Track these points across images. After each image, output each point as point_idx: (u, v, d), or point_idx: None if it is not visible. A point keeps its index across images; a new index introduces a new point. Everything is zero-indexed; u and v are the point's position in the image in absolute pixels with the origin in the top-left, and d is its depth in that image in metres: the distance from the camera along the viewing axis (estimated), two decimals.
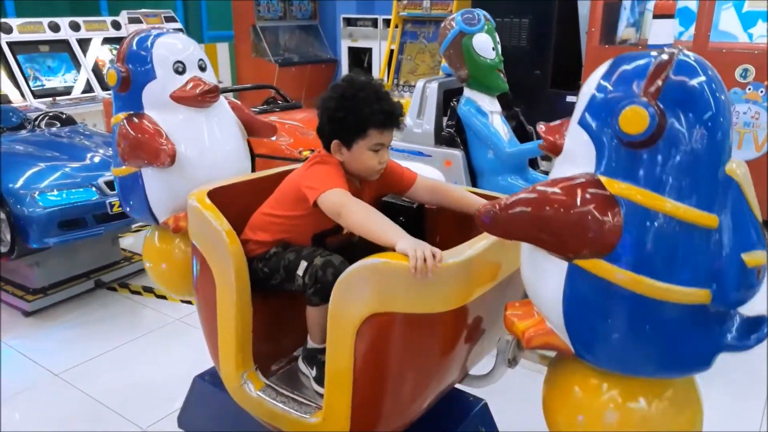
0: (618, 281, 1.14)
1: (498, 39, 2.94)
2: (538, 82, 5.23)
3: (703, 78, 1.12)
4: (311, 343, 1.84)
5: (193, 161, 2.07)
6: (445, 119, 3.13)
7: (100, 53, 6.56)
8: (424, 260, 1.34)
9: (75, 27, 6.46)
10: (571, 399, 1.37)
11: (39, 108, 5.48)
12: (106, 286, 3.69)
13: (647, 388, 1.31)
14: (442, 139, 3.09)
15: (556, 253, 1.22)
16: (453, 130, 3.05)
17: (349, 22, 8.85)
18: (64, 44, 6.33)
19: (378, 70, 8.25)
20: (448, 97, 3.16)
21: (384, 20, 8.21)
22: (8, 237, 3.23)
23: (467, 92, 2.95)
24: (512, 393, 2.49)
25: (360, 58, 8.90)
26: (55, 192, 3.23)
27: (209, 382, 2.25)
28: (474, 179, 3.00)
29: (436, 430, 1.99)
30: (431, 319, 1.45)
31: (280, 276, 1.77)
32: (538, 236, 1.23)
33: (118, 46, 2.42)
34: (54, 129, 4.18)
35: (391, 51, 7.15)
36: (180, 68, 2.10)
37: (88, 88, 6.25)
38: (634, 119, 1.10)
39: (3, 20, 6.03)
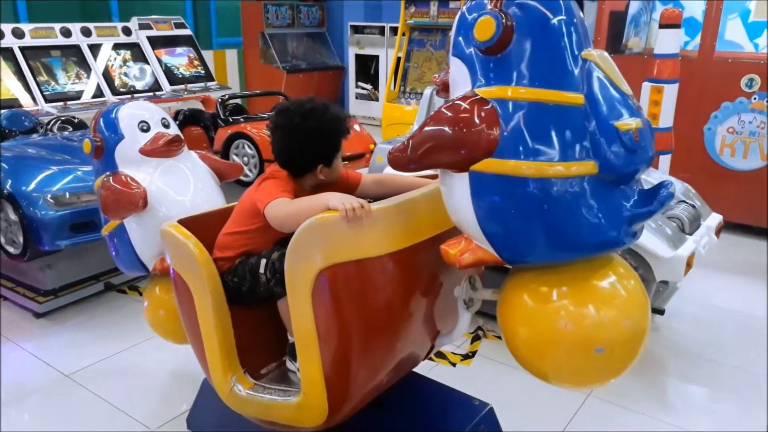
0: (511, 172, 1.28)
1: None
2: None
3: None
4: (291, 338, 1.91)
5: (169, 204, 2.27)
6: None
7: (111, 58, 6.63)
8: (354, 210, 1.48)
9: (86, 33, 6.53)
10: (523, 311, 1.44)
11: (50, 112, 5.54)
12: (116, 288, 3.73)
13: (594, 291, 1.39)
14: None
15: (454, 168, 1.37)
16: None
17: (357, 29, 8.91)
18: (75, 49, 6.41)
19: (385, 77, 8.30)
20: None
21: (391, 28, 8.27)
22: (21, 239, 3.28)
23: None
24: (518, 397, 2.51)
25: (367, 65, 8.96)
26: (67, 195, 3.27)
27: None
28: None
29: None
30: (377, 263, 1.54)
31: (248, 281, 1.86)
32: (433, 159, 1.38)
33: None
34: (66, 133, 4.23)
35: (398, 58, 7.20)
36: (144, 127, 2.37)
37: (99, 93, 6.32)
38: (484, 27, 1.30)
39: (15, 25, 6.11)
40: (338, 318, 1.58)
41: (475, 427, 2.05)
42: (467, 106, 1.32)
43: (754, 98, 4.27)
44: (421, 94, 3.30)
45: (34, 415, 2.62)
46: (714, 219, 3.18)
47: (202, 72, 7.23)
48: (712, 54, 4.39)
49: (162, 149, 2.34)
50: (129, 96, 6.34)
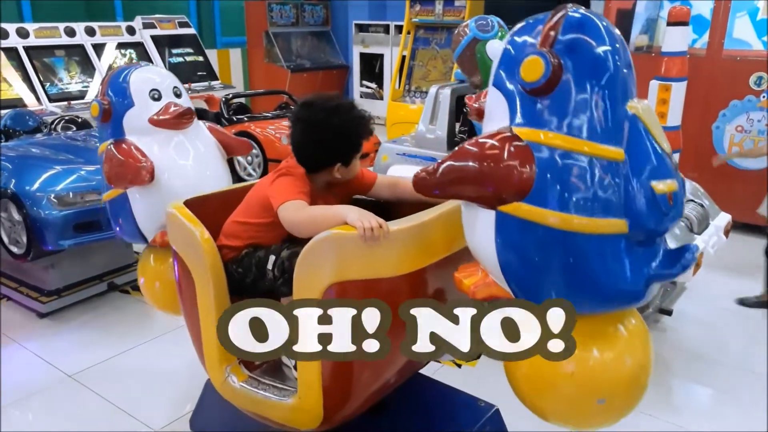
0: (539, 220, 1.23)
1: None
2: None
3: (593, 25, 1.24)
4: None
5: (174, 179, 2.20)
6: (457, 125, 3.13)
7: (115, 58, 6.63)
8: (372, 230, 1.45)
9: (90, 32, 6.54)
10: None
11: (54, 112, 5.54)
12: (119, 288, 3.72)
13: (598, 335, 1.36)
14: (454, 145, 3.10)
15: (482, 204, 1.32)
16: (466, 136, 3.05)
17: (361, 28, 8.88)
18: (80, 49, 6.41)
19: (389, 76, 8.28)
20: (461, 103, 3.17)
21: (396, 26, 8.24)
22: (24, 239, 3.27)
23: None
24: None
25: (372, 64, 8.93)
26: (71, 195, 3.26)
27: None
28: None
29: None
30: (387, 284, 1.51)
31: (253, 274, 1.84)
32: (462, 190, 1.34)
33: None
34: (70, 132, 4.23)
35: (403, 57, 7.17)
36: (156, 95, 2.27)
37: None
38: (532, 67, 1.23)
39: (20, 25, 6.11)
40: None
41: (480, 428, 2.04)
42: (505, 145, 1.26)
43: (763, 96, 4.23)
44: (426, 92, 3.28)
45: (38, 416, 2.61)
46: (723, 218, 3.14)
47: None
48: (721, 52, 4.35)
49: (172, 121, 2.24)
50: None
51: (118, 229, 2.40)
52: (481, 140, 1.31)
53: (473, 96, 1.54)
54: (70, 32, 6.38)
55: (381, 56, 8.73)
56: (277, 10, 8.87)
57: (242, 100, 6.91)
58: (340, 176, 1.83)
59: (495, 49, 2.92)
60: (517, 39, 1.32)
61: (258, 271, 1.83)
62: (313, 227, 1.57)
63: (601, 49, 1.23)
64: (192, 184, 2.14)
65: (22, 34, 6.00)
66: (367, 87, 9.03)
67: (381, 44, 8.64)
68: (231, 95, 6.19)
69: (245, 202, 1.91)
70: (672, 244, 2.71)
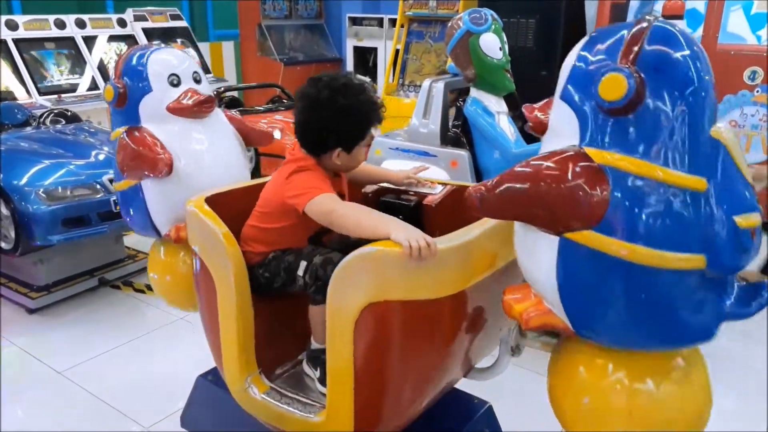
0: (609, 251, 1.14)
1: (505, 39, 2.92)
2: (545, 83, 5.20)
3: (680, 42, 1.14)
4: (314, 344, 1.83)
5: (192, 171, 2.08)
6: (451, 119, 3.11)
7: (106, 51, 6.56)
8: (419, 247, 1.35)
9: (81, 24, 6.46)
10: (576, 381, 1.35)
11: (44, 105, 5.48)
12: (110, 284, 3.69)
13: (655, 368, 1.29)
14: (448, 139, 3.07)
15: (545, 229, 1.22)
16: (459, 131, 3.03)
17: (355, 21, 8.83)
18: (70, 41, 6.33)
19: (383, 69, 8.23)
20: (455, 97, 3.14)
21: (390, 20, 8.19)
22: (12, 234, 3.23)
23: (474, 92, 2.93)
24: (517, 395, 2.47)
25: (365, 57, 8.88)
26: (60, 189, 3.22)
27: (212, 381, 2.24)
28: (480, 179, 2.98)
29: None
30: (429, 306, 1.44)
31: (282, 279, 1.77)
32: (526, 212, 1.24)
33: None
34: (59, 126, 4.18)
35: (397, 50, 7.12)
36: (175, 81, 2.13)
37: (94, 86, 6.25)
38: (613, 85, 1.11)
39: (9, 17, 6.04)
40: (379, 355, 1.51)
41: (473, 425, 2.03)
42: (579, 169, 1.14)
43: (757, 91, 4.23)
44: (420, 86, 3.25)
45: (27, 413, 2.58)
46: None
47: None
48: (715, 46, 4.33)
49: (193, 109, 2.11)
50: None
51: (129, 220, 2.28)
52: (549, 162, 1.19)
53: (534, 106, 1.43)
54: (60, 24, 6.30)
55: (374, 50, 8.67)
56: (270, 2, 8.80)
57: (234, 93, 6.85)
58: (340, 163, 1.73)
59: (489, 42, 2.91)
60: (590, 53, 1.21)
61: (287, 276, 1.75)
62: (355, 228, 1.50)
63: (688, 69, 1.13)
64: (210, 176, 2.05)
65: (11, 26, 5.93)
66: None
67: (375, 37, 8.58)
68: (223, 88, 6.12)
69: (261, 206, 1.82)
70: None
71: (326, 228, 1.77)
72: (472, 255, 1.48)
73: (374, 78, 8.84)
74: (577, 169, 1.15)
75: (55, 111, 4.42)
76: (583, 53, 1.22)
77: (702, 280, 1.15)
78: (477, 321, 1.62)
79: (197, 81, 2.20)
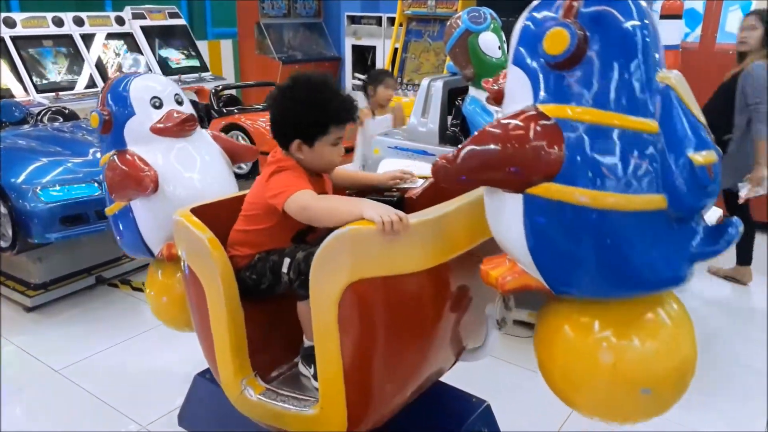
0: (571, 200, 1.16)
1: (504, 38, 2.92)
2: None
3: None
4: (307, 342, 1.84)
5: (179, 188, 2.15)
6: (449, 118, 3.11)
7: (104, 49, 6.55)
8: (392, 223, 1.39)
9: (79, 22, 6.44)
10: (562, 341, 1.37)
11: (41, 103, 5.47)
12: (108, 282, 3.68)
13: (639, 324, 1.31)
14: (446, 138, 3.07)
15: (508, 188, 1.26)
16: (458, 129, 3.03)
17: (354, 20, 8.82)
18: (68, 39, 6.32)
19: (382, 68, 8.22)
20: (453, 96, 3.14)
21: (388, 18, 8.18)
22: (10, 232, 3.22)
23: (473, 91, 2.93)
24: (514, 394, 2.48)
25: (364, 56, 8.88)
26: (57, 187, 3.22)
27: (210, 380, 2.23)
28: None
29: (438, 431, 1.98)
30: (410, 280, 1.46)
31: (268, 279, 1.79)
32: (487, 176, 1.28)
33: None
34: (57, 124, 4.17)
35: (396, 49, 7.12)
36: (157, 103, 2.22)
37: (91, 84, 6.24)
38: (556, 40, 1.17)
39: (7, 14, 6.02)
40: (364, 334, 1.51)
41: (471, 423, 2.03)
42: (531, 124, 1.19)
43: None
44: (419, 85, 3.25)
45: (24, 411, 2.58)
46: (714, 213, 3.14)
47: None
48: (713, 46, 4.34)
49: (175, 129, 2.19)
50: None
51: (121, 242, 2.35)
52: (504, 121, 1.25)
53: (490, 80, 1.49)
54: (58, 22, 6.28)
55: (373, 48, 8.67)
56: (268, 1, 8.78)
57: (233, 91, 6.84)
58: (303, 158, 1.76)
59: (487, 41, 2.91)
60: (537, 13, 1.26)
61: (273, 276, 1.77)
62: (330, 217, 1.53)
63: (626, 18, 1.18)
64: (198, 193, 2.10)
65: (9, 23, 5.91)
66: (359, 79, 8.98)
67: (373, 36, 8.58)
68: (221, 87, 6.12)
69: (245, 209, 1.86)
70: None
71: (310, 227, 1.80)
72: (448, 229, 1.51)
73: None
74: (531, 125, 1.19)
75: (53, 109, 4.41)
76: (530, 15, 1.28)
77: (666, 221, 1.18)
78: (462, 298, 1.63)
79: (179, 102, 2.29)
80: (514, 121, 1.22)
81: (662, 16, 3.73)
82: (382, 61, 8.46)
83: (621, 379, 1.28)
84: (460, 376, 2.37)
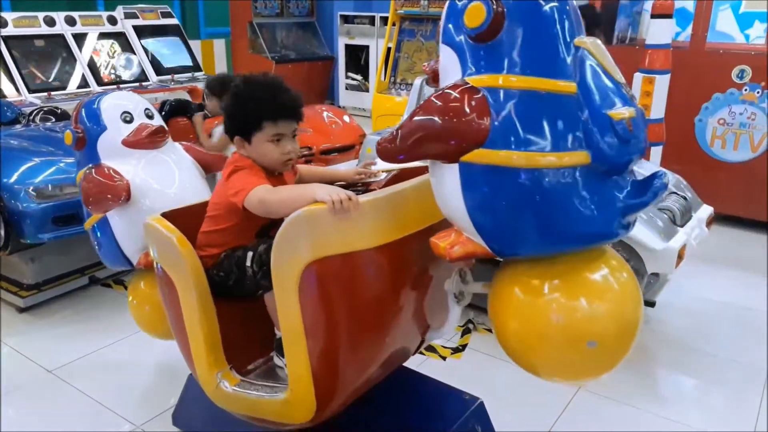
0: (501, 162, 1.25)
1: None
2: None
3: None
4: (278, 333, 1.89)
5: (154, 197, 2.25)
6: None
7: (96, 48, 6.52)
8: (341, 202, 1.45)
9: (71, 22, 6.41)
10: (515, 303, 1.42)
11: (33, 103, 5.44)
12: (101, 282, 3.67)
13: (585, 282, 1.37)
14: None
15: (444, 159, 1.34)
16: None
17: (347, 19, 8.83)
18: (60, 39, 6.29)
19: (375, 67, 8.24)
20: None
21: (381, 18, 8.20)
22: (2, 232, 3.21)
23: None
24: (508, 392, 2.49)
25: (357, 55, 8.89)
26: (50, 187, 3.20)
27: None
28: None
29: (431, 430, 1.99)
30: (367, 256, 1.51)
31: (235, 274, 1.84)
32: (423, 150, 1.35)
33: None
34: (49, 124, 4.15)
35: (389, 49, 7.13)
36: (128, 118, 2.34)
37: (84, 83, 6.21)
38: (474, 13, 1.27)
39: None
40: (326, 312, 1.55)
41: (465, 421, 2.04)
42: (457, 95, 1.29)
43: (745, 89, 4.26)
44: (412, 84, 3.26)
45: (17, 412, 2.57)
46: (705, 211, 3.17)
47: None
48: (704, 45, 4.37)
49: (145, 141, 2.31)
50: (115, 87, 6.23)
51: (101, 254, 2.43)
52: (432, 97, 1.33)
53: (426, 63, 1.56)
54: (50, 22, 6.25)
55: (366, 48, 8.68)
56: (261, 0, 8.79)
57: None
58: (247, 154, 1.83)
59: None
60: None
61: (239, 270, 1.82)
62: (286, 205, 1.57)
63: None
64: (172, 202, 2.14)
65: (1, 23, 5.88)
66: (353, 79, 8.99)
67: (366, 36, 8.59)
68: None
69: (209, 210, 1.92)
70: (655, 234, 2.74)
71: (273, 222, 1.83)
72: (400, 207, 1.58)
73: (366, 76, 8.86)
74: (459, 96, 1.28)
75: (45, 109, 4.39)
76: None
77: (593, 176, 1.26)
78: (422, 276, 1.67)
79: (149, 117, 2.39)
80: (442, 95, 1.32)
81: (653, 15, 3.75)
82: (375, 60, 8.48)
83: (570, 334, 1.35)
84: (452, 374, 2.39)
